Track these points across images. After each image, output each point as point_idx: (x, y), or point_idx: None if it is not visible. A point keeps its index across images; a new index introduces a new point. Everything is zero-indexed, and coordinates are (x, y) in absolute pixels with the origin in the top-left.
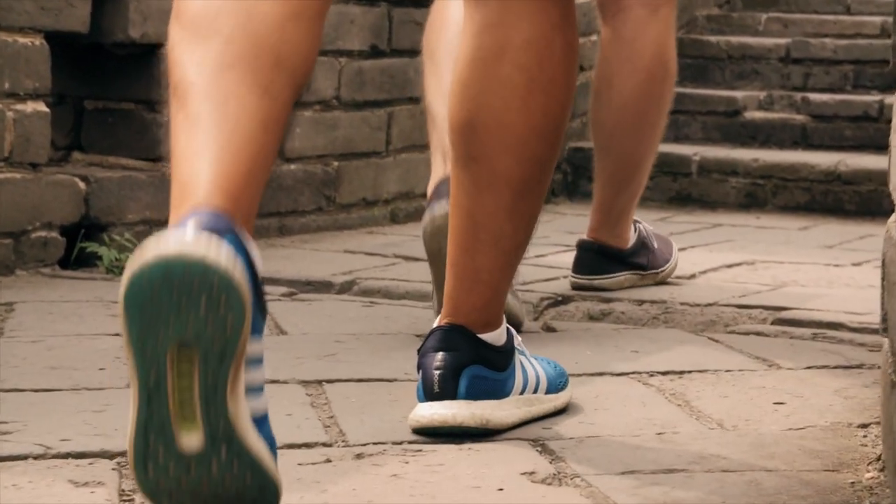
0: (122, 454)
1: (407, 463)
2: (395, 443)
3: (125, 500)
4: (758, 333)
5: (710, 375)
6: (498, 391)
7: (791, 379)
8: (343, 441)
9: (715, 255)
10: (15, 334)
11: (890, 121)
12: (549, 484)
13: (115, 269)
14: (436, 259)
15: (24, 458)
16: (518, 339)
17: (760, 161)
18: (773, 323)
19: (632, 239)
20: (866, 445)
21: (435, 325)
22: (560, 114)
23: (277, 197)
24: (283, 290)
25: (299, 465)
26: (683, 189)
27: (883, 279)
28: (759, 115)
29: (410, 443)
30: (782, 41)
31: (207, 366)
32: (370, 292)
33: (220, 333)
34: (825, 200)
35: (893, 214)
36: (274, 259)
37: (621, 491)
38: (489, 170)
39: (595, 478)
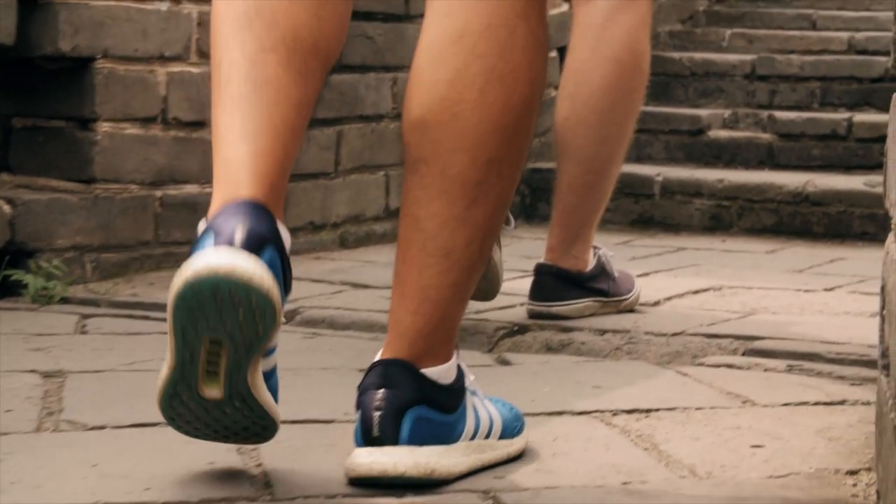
0: None
1: None
2: (327, 496)
3: None
4: (729, 366)
5: (679, 414)
6: (445, 435)
7: (768, 417)
8: (269, 495)
9: (680, 280)
10: None
11: (859, 139)
12: None
13: (41, 299)
14: None
15: None
16: (470, 379)
17: (725, 182)
18: (744, 354)
19: (591, 263)
20: (857, 496)
21: (377, 357)
22: (522, 110)
23: None
24: None
25: None
26: (645, 211)
27: (882, 308)
28: (723, 133)
29: (345, 496)
30: (747, 57)
31: (236, 354)
32: (313, 322)
33: (251, 335)
34: (793, 222)
35: (891, 234)
36: None
37: None
38: (441, 172)
39: None
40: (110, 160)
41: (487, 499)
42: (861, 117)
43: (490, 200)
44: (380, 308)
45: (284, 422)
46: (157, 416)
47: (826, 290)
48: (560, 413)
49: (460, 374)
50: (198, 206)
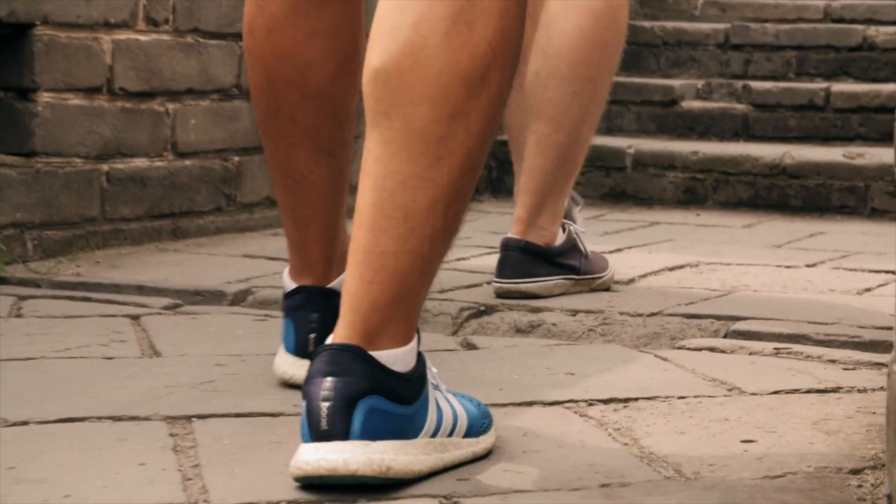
0: None
1: None
2: (269, 503)
3: None
4: (711, 349)
5: (661, 404)
6: (403, 429)
7: (758, 408)
8: (204, 501)
9: (654, 256)
10: None
11: (837, 109)
12: None
13: None
14: None
15: None
16: (433, 372)
17: (700, 154)
18: (726, 335)
19: (561, 238)
20: (864, 500)
21: (327, 341)
22: (491, 59)
23: (170, 196)
24: (167, 301)
25: None
26: (617, 185)
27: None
28: (697, 104)
29: (289, 502)
30: (720, 26)
31: None
32: (266, 303)
33: None
34: (770, 195)
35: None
36: (163, 266)
37: None
38: (402, 126)
39: None
40: (52, 132)
41: None
42: (839, 87)
43: (455, 160)
44: None
45: (226, 415)
46: (88, 409)
47: (808, 266)
48: (530, 403)
49: (421, 363)
50: (146, 180)
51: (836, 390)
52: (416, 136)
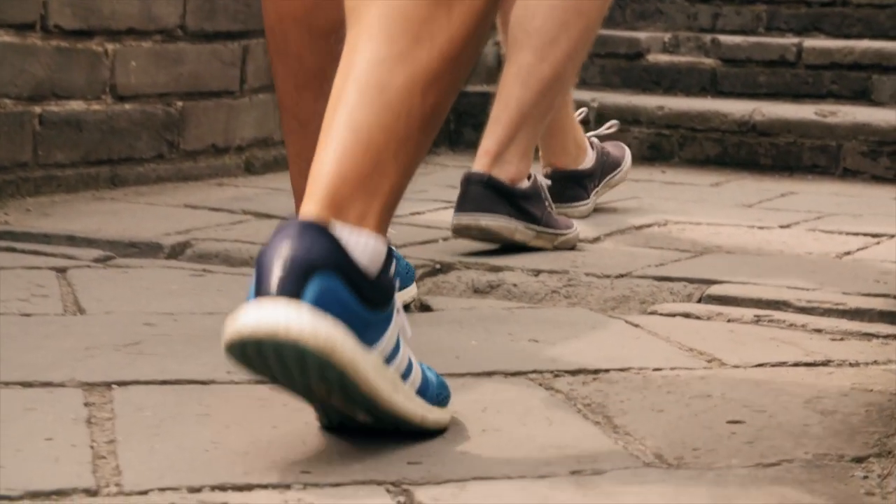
0: None
1: None
2: (191, 490)
3: None
4: (686, 315)
5: (635, 376)
6: (357, 330)
7: (742, 383)
8: (116, 485)
9: (620, 215)
10: None
11: (809, 65)
12: None
13: None
14: None
15: None
16: (407, 333)
17: (666, 109)
18: (700, 300)
19: (526, 184)
20: (874, 494)
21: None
22: None
23: (109, 141)
24: (98, 253)
25: None
26: None
27: None
28: (663, 58)
29: (213, 488)
30: None
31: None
32: (206, 257)
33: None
34: (738, 153)
35: None
36: (97, 215)
37: None
38: (382, 10)
39: None
40: None
41: (397, 493)
42: (811, 42)
43: (436, 43)
44: None
45: (150, 382)
46: None
47: (782, 227)
48: (490, 374)
49: (390, 277)
50: (82, 124)
51: (826, 364)
52: (395, 18)
